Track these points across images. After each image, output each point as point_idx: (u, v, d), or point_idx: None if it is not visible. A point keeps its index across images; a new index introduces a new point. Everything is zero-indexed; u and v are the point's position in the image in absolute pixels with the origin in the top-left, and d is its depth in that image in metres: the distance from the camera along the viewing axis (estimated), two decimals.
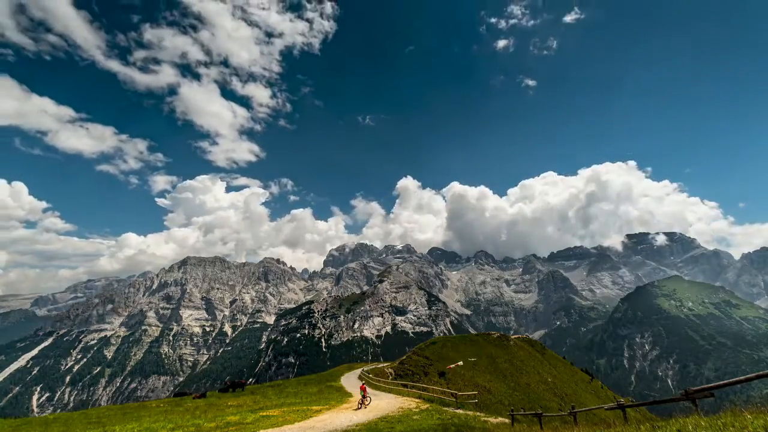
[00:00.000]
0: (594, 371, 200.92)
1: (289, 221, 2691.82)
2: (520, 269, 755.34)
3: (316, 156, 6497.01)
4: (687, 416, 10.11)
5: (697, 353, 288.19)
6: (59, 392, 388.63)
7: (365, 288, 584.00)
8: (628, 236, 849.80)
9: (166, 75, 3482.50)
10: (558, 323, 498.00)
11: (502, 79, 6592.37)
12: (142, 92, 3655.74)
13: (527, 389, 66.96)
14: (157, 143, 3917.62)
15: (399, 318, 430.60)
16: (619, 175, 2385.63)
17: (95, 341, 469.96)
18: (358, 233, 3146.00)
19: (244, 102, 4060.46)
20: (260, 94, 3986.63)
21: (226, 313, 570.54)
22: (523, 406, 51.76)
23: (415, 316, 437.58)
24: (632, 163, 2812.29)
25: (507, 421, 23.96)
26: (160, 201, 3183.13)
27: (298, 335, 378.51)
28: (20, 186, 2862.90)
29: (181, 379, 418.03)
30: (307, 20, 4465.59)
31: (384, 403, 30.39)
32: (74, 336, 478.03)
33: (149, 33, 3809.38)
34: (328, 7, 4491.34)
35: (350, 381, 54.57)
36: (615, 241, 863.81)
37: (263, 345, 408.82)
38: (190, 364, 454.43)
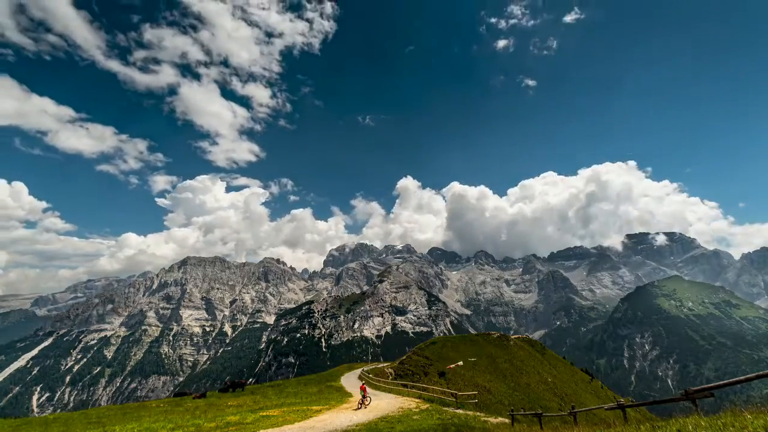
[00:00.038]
0: (594, 371, 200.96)
1: (289, 221, 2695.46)
2: (520, 269, 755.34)
3: (316, 156, 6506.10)
4: (687, 416, 10.11)
5: (697, 353, 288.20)
6: (59, 392, 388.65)
7: (365, 288, 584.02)
8: (628, 236, 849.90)
9: (166, 75, 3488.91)
10: (558, 323, 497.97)
11: (502, 79, 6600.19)
12: (142, 92, 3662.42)
13: (527, 389, 66.96)
14: (157, 143, 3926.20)
15: (399, 318, 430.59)
16: (619, 175, 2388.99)
17: (95, 341, 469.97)
18: (358, 233, 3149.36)
19: (244, 102, 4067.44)
20: (260, 94, 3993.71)
21: (226, 313, 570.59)
22: (523, 406, 51.76)
23: (415, 316, 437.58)
24: (632, 163, 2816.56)
25: (507, 421, 23.96)
26: (160, 201, 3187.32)
27: (298, 335, 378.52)
28: (20, 186, 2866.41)
29: (181, 379, 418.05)
30: (307, 20, 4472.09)
31: (384, 403, 30.39)
32: (74, 336, 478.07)
33: (149, 33, 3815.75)
34: (328, 7, 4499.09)
35: (350, 381, 54.57)
36: (615, 241, 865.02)
37: (263, 345, 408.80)
38: (190, 364, 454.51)
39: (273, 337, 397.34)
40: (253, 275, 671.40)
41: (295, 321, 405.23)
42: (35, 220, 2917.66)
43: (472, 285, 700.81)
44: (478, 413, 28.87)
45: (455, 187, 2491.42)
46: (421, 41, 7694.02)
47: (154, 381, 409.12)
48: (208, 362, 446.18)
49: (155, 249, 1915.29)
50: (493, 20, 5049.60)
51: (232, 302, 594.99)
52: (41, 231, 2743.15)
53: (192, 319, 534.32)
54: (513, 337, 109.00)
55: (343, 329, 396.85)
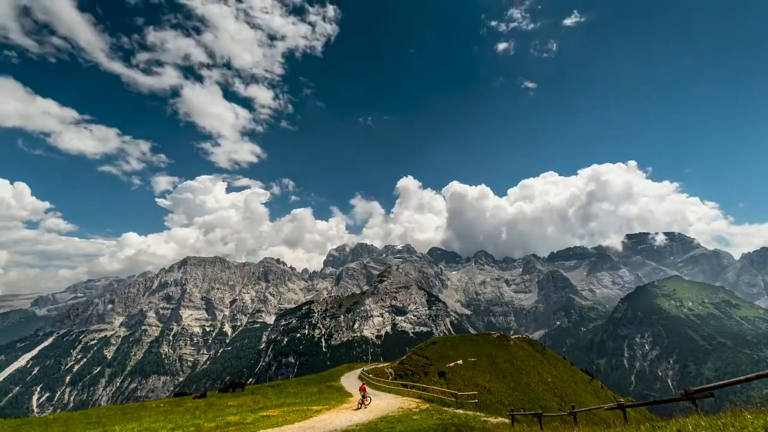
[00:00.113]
0: (594, 371, 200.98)
1: (289, 221, 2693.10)
2: (520, 269, 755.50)
3: (317, 156, 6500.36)
4: (687, 416, 10.11)
5: (697, 353, 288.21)
6: (59, 392, 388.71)
7: (365, 288, 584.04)
8: (628, 236, 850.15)
9: (169, 77, 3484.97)
10: (558, 323, 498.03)
11: (502, 81, 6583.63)
12: (145, 94, 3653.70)
13: (527, 389, 66.97)
14: (160, 144, 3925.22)
15: (399, 318, 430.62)
16: (619, 174, 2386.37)
17: (95, 341, 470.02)
18: (358, 233, 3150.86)
19: (247, 103, 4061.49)
20: (262, 95, 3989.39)
21: (226, 313, 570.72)
22: (523, 406, 51.77)
23: (415, 316, 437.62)
24: (632, 163, 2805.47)
25: (507, 421, 23.96)
26: (161, 201, 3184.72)
27: (298, 335, 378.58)
28: (23, 187, 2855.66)
29: (181, 379, 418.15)
30: (310, 23, 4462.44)
31: (384, 403, 30.40)
32: (74, 336, 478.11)
33: (152, 35, 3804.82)
34: (331, 11, 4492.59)
35: (350, 381, 54.58)
36: (615, 241, 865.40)
37: (263, 345, 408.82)
38: (190, 364, 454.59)
39: (273, 337, 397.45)
40: (253, 275, 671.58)
41: (295, 321, 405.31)
42: (37, 221, 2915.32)
43: (472, 285, 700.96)
44: (478, 413, 28.87)
45: (455, 186, 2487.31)
46: (422, 44, 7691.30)
47: (154, 381, 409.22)
48: (208, 362, 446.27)
49: (155, 249, 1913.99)
50: (493, 23, 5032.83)
51: (232, 302, 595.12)
52: (43, 231, 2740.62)
53: (192, 319, 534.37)
54: (513, 337, 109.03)
55: (343, 329, 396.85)
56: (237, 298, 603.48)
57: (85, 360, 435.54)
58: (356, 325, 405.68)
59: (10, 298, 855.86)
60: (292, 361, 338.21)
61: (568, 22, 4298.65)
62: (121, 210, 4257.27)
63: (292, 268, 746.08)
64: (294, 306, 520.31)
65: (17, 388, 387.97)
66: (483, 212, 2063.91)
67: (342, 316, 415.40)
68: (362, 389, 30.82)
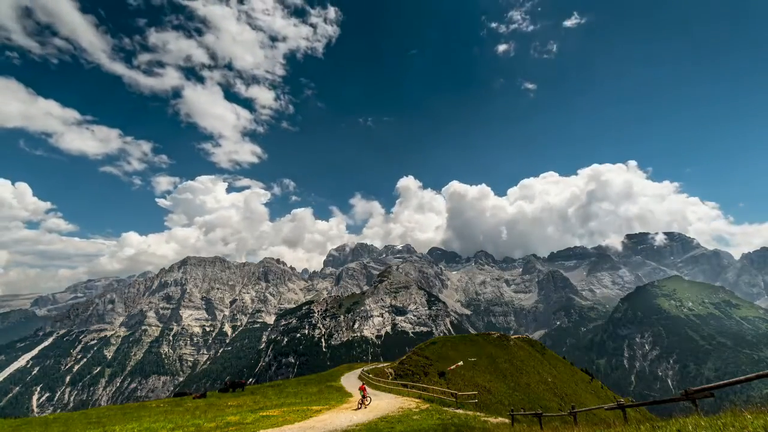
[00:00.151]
0: (594, 371, 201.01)
1: (289, 221, 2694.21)
2: (520, 269, 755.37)
3: (318, 157, 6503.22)
4: (687, 416, 10.11)
5: (697, 353, 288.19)
6: (59, 392, 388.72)
7: (365, 288, 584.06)
8: (628, 236, 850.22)
9: (171, 78, 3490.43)
10: (558, 323, 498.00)
11: (502, 82, 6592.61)
12: (147, 95, 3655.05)
13: (527, 389, 66.97)
14: (161, 145, 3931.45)
15: (399, 318, 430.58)
16: (619, 174, 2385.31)
17: (95, 341, 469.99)
18: (358, 233, 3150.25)
19: (248, 104, 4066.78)
20: (263, 96, 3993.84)
21: (226, 313, 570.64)
22: (523, 406, 51.76)
23: (415, 316, 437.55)
24: (632, 163, 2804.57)
25: (507, 421, 23.95)
26: (161, 201, 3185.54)
27: (298, 335, 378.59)
28: (24, 187, 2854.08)
29: (181, 379, 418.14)
30: (311, 25, 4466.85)
31: (384, 403, 30.39)
32: (74, 336, 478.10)
33: (154, 36, 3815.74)
34: (332, 13, 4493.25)
35: (350, 381, 54.56)
36: (615, 241, 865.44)
37: (263, 345, 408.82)
38: (190, 364, 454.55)
39: (273, 337, 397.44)
40: (253, 275, 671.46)
41: (295, 321, 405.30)
42: (38, 221, 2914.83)
43: (472, 285, 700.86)
44: (478, 413, 28.87)
45: (455, 186, 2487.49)
46: (423, 45, 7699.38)
47: (154, 381, 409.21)
48: (208, 362, 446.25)
49: (156, 249, 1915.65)
50: (493, 25, 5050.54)
51: (232, 302, 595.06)
52: (44, 232, 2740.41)
53: (192, 319, 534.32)
54: (513, 337, 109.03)
55: (343, 329, 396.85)
56: (237, 298, 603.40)
57: (85, 360, 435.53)
58: (356, 325, 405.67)
59: (10, 298, 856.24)
60: (292, 361, 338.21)
61: (568, 23, 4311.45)
62: (122, 210, 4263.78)
63: (292, 268, 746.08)
64: (294, 306, 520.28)
65: (17, 388, 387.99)
66: (483, 212, 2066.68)
67: (342, 316, 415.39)
68: (362, 389, 30.80)
